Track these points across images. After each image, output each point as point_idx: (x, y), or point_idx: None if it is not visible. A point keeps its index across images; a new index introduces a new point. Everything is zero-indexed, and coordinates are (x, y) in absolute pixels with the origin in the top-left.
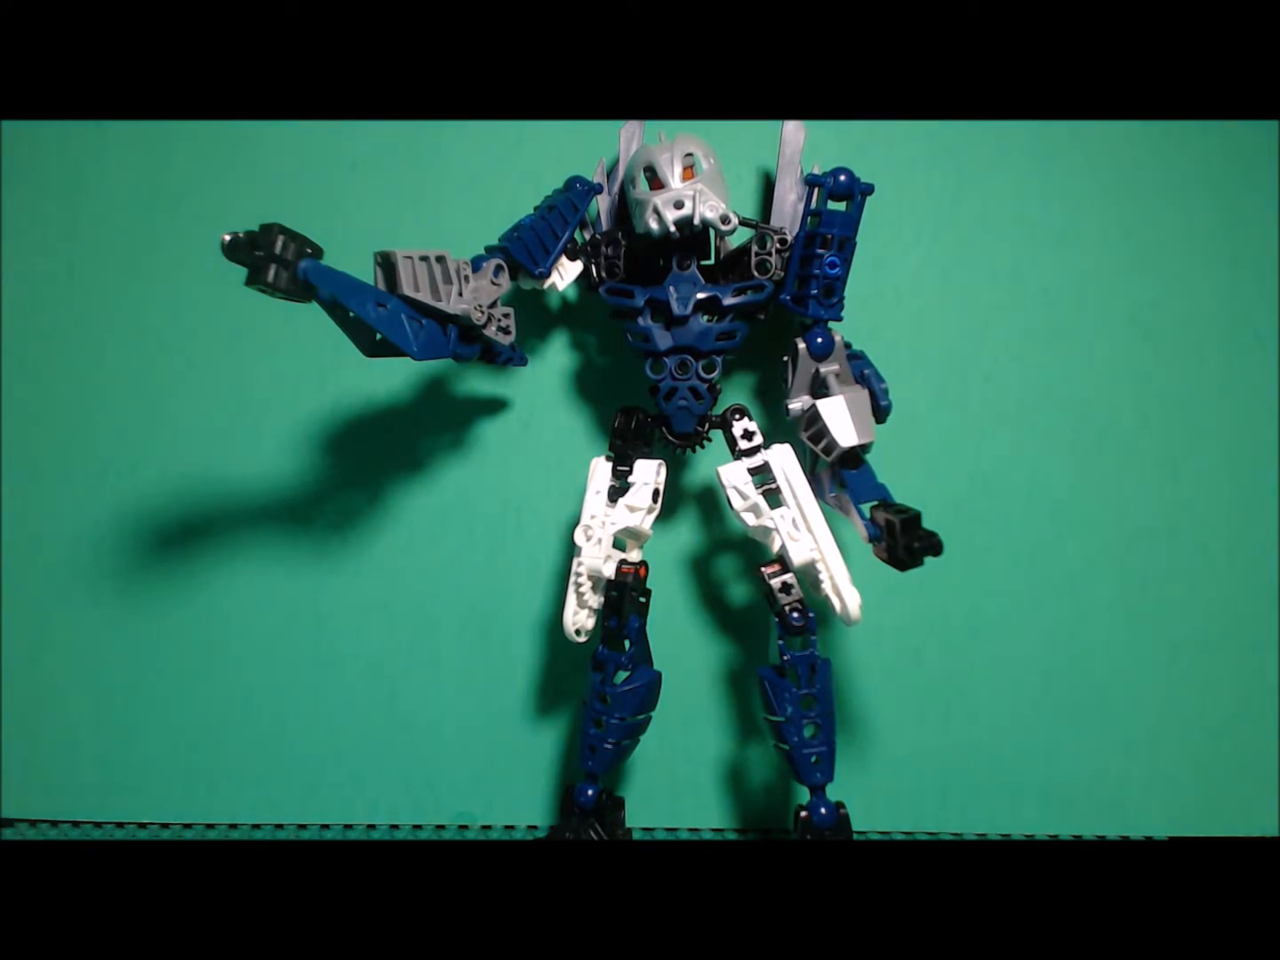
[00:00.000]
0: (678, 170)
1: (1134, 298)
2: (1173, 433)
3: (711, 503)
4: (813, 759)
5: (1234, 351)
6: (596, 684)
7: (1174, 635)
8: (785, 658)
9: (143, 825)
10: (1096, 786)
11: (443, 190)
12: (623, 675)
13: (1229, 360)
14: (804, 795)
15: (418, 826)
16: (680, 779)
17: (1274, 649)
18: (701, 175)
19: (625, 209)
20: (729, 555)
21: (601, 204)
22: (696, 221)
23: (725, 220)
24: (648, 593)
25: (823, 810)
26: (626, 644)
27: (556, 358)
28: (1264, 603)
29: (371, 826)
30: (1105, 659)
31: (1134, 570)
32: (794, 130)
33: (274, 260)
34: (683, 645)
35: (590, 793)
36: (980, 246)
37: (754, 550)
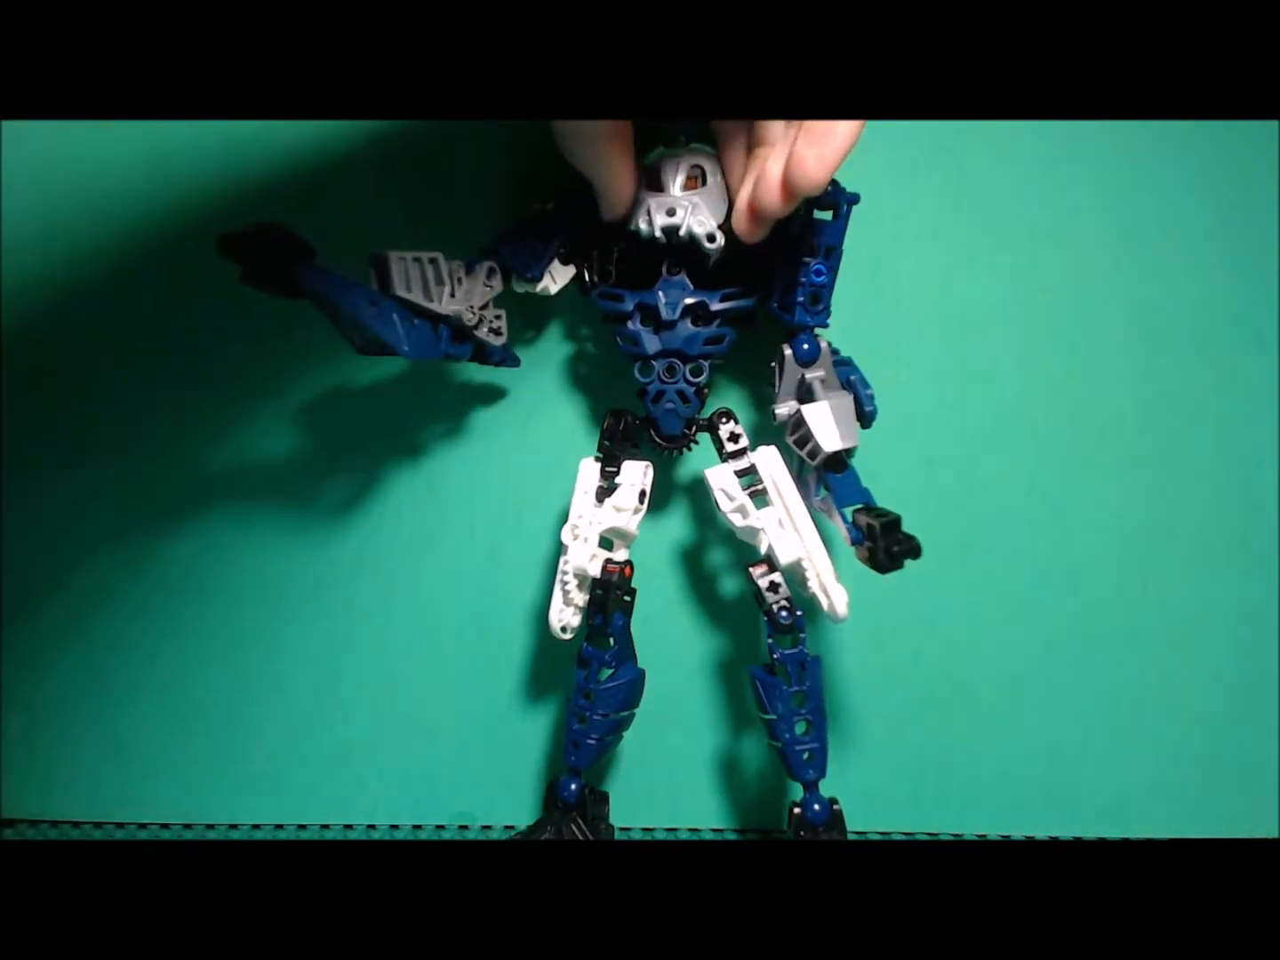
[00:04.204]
0: (680, 178)
1: (1134, 298)
2: (1173, 433)
3: (702, 499)
4: (805, 755)
5: (1234, 351)
6: (581, 680)
7: (1174, 635)
8: (775, 656)
9: (143, 825)
10: (1097, 787)
11: (440, 191)
12: (607, 672)
13: (1229, 360)
14: (798, 792)
15: (418, 826)
16: (673, 776)
17: (1274, 649)
18: (703, 189)
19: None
20: (720, 551)
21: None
22: (683, 233)
23: (711, 239)
24: (632, 591)
25: (816, 806)
26: (611, 641)
27: (558, 356)
28: (1264, 603)
29: (371, 826)
30: (1105, 659)
31: (1134, 570)
32: None
33: (268, 258)
34: (675, 642)
35: (573, 787)
36: (980, 246)
37: (744, 547)
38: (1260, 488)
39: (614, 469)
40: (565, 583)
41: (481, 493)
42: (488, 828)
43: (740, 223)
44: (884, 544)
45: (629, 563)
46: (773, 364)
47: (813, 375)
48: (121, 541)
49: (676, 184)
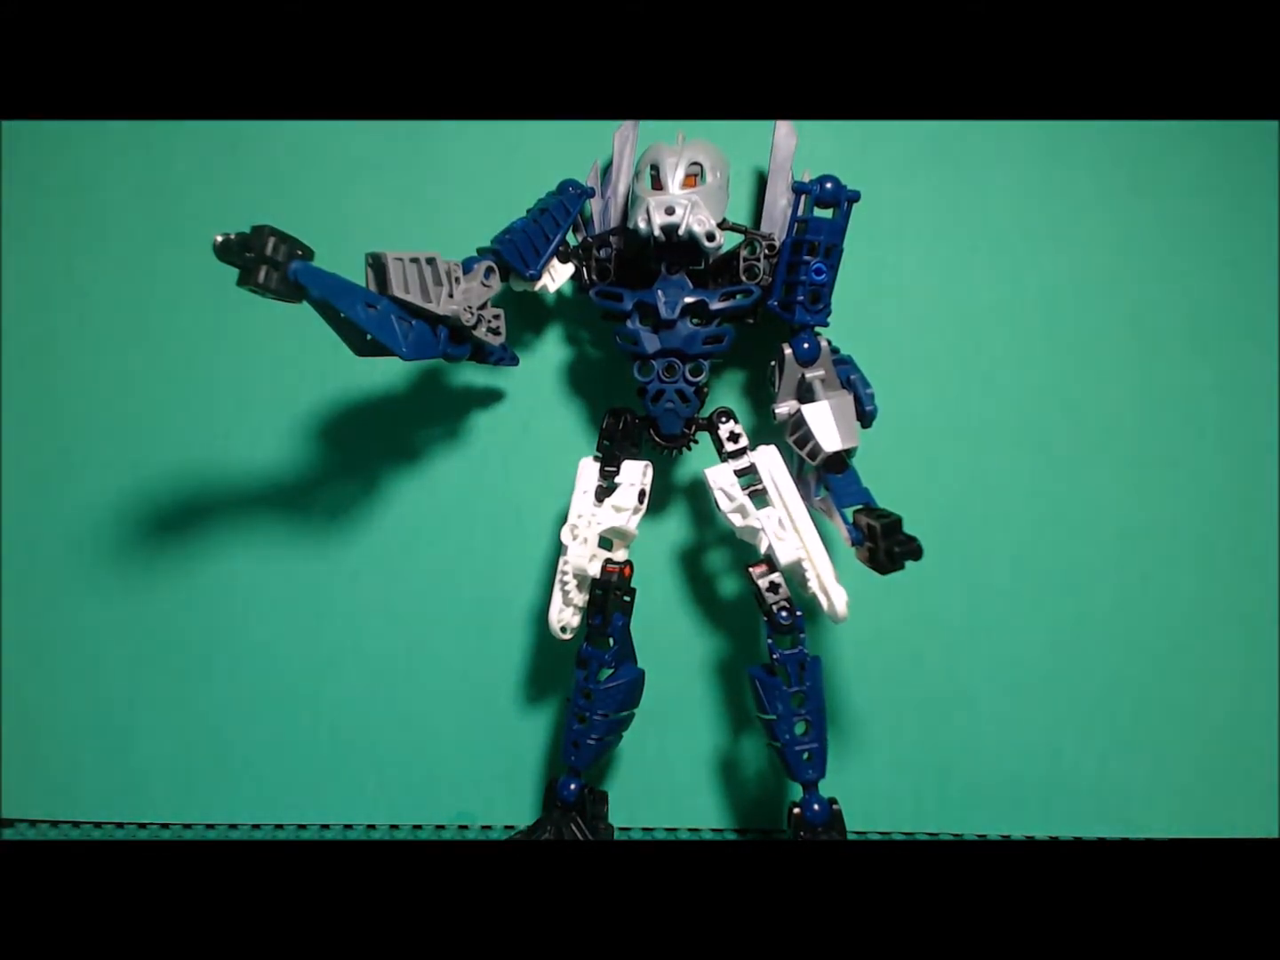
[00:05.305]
0: (679, 176)
1: (1134, 298)
2: (1172, 433)
3: (702, 499)
4: (805, 755)
5: (1234, 351)
6: (580, 680)
7: (1174, 635)
8: (775, 656)
9: (143, 825)
10: (1097, 787)
11: (440, 191)
12: (606, 672)
13: (1229, 360)
14: (798, 792)
15: (418, 826)
16: (673, 776)
17: (1274, 649)
18: (702, 187)
19: (630, 206)
20: (720, 552)
21: (594, 207)
22: (682, 232)
23: (710, 238)
24: (632, 591)
25: (815, 806)
26: (610, 641)
27: (558, 355)
28: (1264, 603)
29: (371, 826)
30: (1105, 659)
31: (1134, 570)
32: (785, 135)
33: (265, 261)
34: (675, 642)
35: (573, 787)
36: (980, 246)
37: (744, 547)
38: (1260, 488)
39: (613, 468)
40: (565, 583)
41: (481, 494)
42: (488, 828)
43: None
44: (885, 545)
45: (629, 563)
46: (773, 363)
47: (813, 374)
48: (121, 543)
49: (675, 181)
